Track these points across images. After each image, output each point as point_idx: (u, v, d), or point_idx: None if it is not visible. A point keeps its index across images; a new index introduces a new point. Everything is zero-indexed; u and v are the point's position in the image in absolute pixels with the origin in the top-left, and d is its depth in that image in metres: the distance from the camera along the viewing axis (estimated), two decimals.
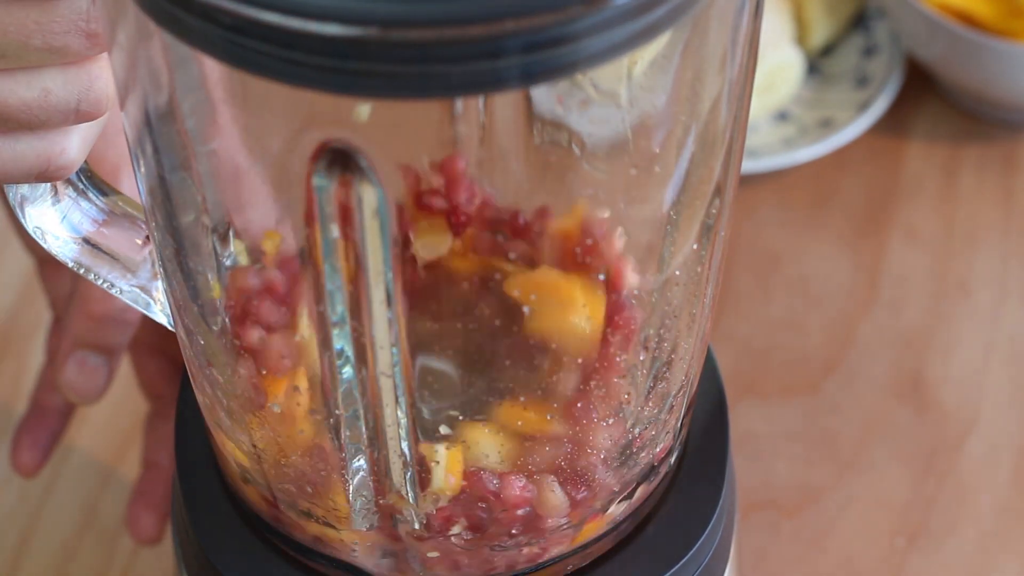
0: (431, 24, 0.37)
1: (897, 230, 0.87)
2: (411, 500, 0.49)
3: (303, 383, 0.49)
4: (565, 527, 0.51)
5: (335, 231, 0.42)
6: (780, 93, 0.91)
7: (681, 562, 0.53)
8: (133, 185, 0.51)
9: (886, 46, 0.93)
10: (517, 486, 0.49)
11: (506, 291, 0.53)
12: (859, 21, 0.96)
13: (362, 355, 0.45)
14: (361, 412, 0.47)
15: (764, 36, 0.85)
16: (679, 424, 0.53)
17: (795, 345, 0.81)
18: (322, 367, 0.47)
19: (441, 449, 0.49)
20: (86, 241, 0.51)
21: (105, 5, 0.42)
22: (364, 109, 0.41)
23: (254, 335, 0.50)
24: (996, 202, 0.88)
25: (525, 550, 0.51)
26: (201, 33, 0.39)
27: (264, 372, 0.49)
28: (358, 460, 0.48)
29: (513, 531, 0.50)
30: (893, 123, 0.91)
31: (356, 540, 0.51)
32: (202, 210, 0.47)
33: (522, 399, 0.51)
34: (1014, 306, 0.83)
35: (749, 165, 0.87)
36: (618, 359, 0.50)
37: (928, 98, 0.93)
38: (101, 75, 0.45)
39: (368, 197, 0.41)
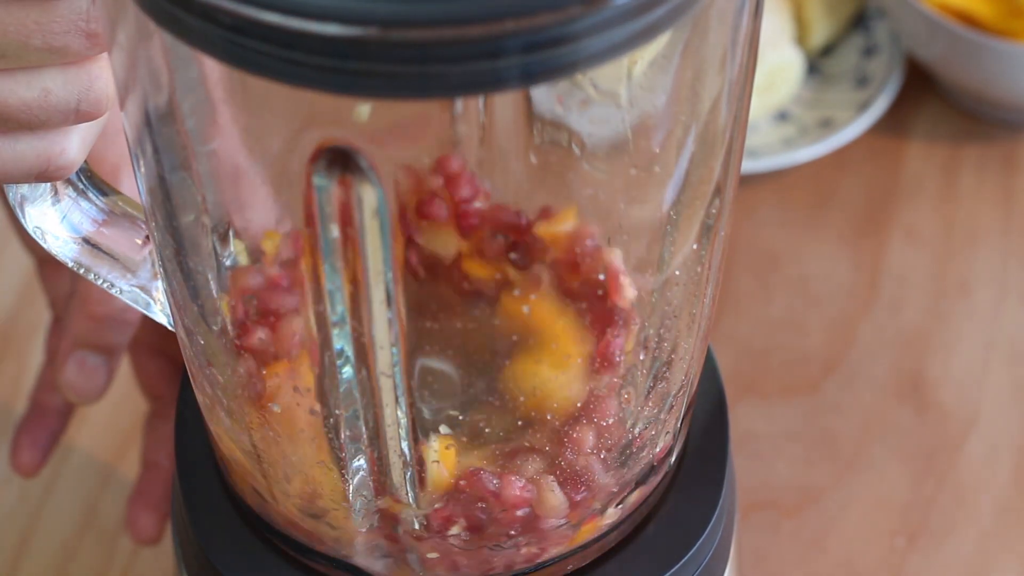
0: (431, 24, 0.37)
1: (897, 230, 0.87)
2: (411, 500, 0.49)
3: (303, 383, 0.49)
4: (564, 527, 0.51)
5: (335, 231, 0.42)
6: (780, 93, 0.91)
7: (681, 562, 0.53)
8: (133, 185, 0.51)
9: (886, 46, 0.93)
10: (517, 486, 0.49)
11: (505, 296, 0.53)
12: (859, 21, 0.96)
13: (362, 355, 0.45)
14: (361, 412, 0.47)
15: (764, 36, 0.85)
16: (679, 424, 0.53)
17: (795, 345, 0.81)
18: (322, 367, 0.47)
19: (434, 442, 0.49)
20: (86, 241, 0.51)
21: (105, 5, 0.42)
22: (364, 109, 0.41)
23: (254, 335, 0.50)
24: (996, 202, 0.88)
25: (524, 550, 0.51)
26: (201, 33, 0.39)
27: (264, 372, 0.49)
28: (358, 460, 0.48)
29: (512, 531, 0.50)
30: (893, 123, 0.91)
31: (356, 540, 0.51)
32: (202, 210, 0.47)
33: (522, 399, 0.51)
34: (1014, 306, 0.83)
35: (749, 165, 0.87)
36: (618, 359, 0.50)
37: (928, 98, 0.93)
38: (101, 75, 0.45)
39: (368, 197, 0.41)
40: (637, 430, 0.51)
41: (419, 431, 0.49)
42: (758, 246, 0.86)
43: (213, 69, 0.42)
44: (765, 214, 0.87)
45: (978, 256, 0.85)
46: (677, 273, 0.50)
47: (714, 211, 0.48)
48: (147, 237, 0.51)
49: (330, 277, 0.43)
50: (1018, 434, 0.77)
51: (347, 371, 0.46)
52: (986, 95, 0.89)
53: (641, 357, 0.51)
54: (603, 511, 0.51)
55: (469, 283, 0.54)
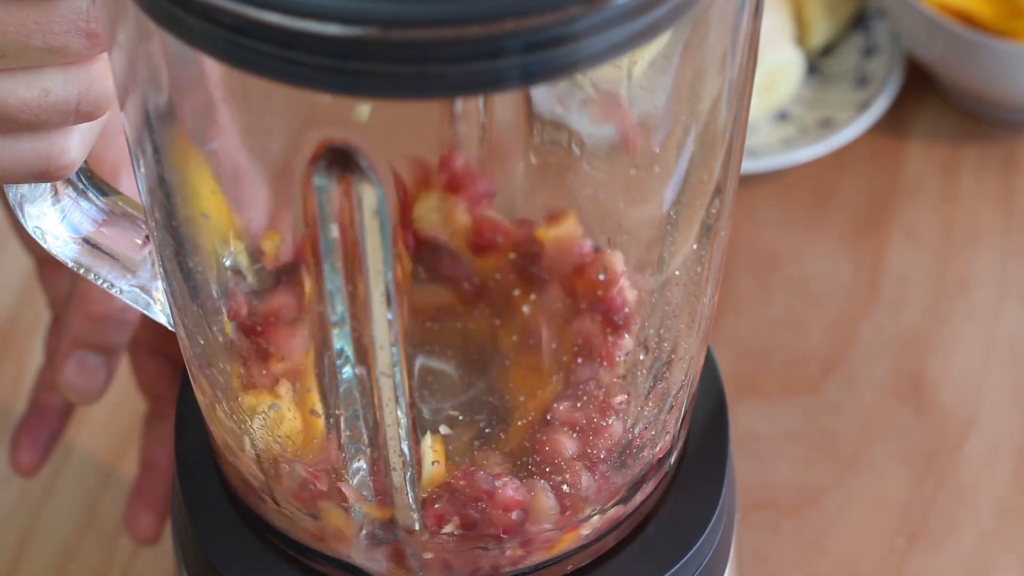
0: (431, 24, 0.37)
1: (897, 230, 0.87)
2: (411, 500, 0.49)
3: (303, 383, 0.49)
4: (564, 527, 0.51)
5: (335, 231, 0.42)
6: (780, 93, 0.91)
7: (681, 562, 0.53)
8: (133, 185, 0.51)
9: (886, 46, 0.93)
10: (511, 487, 0.49)
11: (506, 296, 0.53)
12: (859, 21, 0.95)
13: (362, 355, 0.45)
14: (361, 412, 0.47)
15: (764, 36, 0.85)
16: (679, 424, 0.53)
17: (795, 345, 0.81)
18: (322, 367, 0.47)
19: (434, 443, 0.49)
20: (86, 241, 0.51)
21: (105, 5, 0.42)
22: (364, 109, 0.41)
23: (254, 335, 0.50)
24: (996, 202, 0.88)
25: (524, 549, 0.51)
26: (201, 33, 0.39)
27: (264, 372, 0.49)
28: (358, 460, 0.48)
29: (507, 531, 0.50)
30: (893, 123, 0.91)
31: (355, 540, 0.51)
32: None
33: (522, 399, 0.51)
34: (1014, 306, 0.83)
35: (749, 165, 0.87)
36: (618, 359, 0.50)
37: (928, 98, 0.93)
38: (101, 75, 0.45)
39: (368, 197, 0.41)
40: (637, 430, 0.51)
41: (419, 431, 0.49)
42: (758, 246, 0.86)
43: (213, 69, 0.42)
44: (765, 214, 0.87)
45: (978, 256, 0.85)
46: (677, 273, 0.50)
47: (714, 211, 0.48)
48: (147, 237, 0.51)
49: (330, 277, 0.43)
50: (1018, 434, 0.77)
51: (347, 371, 0.46)
52: (986, 95, 0.89)
53: (641, 357, 0.51)
54: (604, 510, 0.51)
55: (469, 283, 0.54)
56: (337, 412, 0.47)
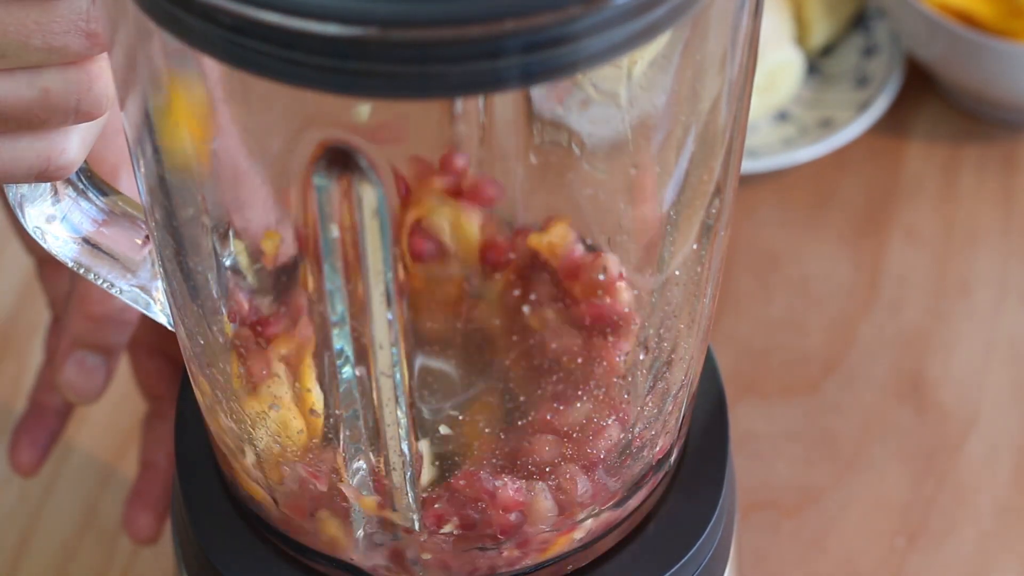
0: (431, 24, 0.37)
1: (897, 230, 0.87)
2: (411, 500, 0.49)
3: (303, 383, 0.49)
4: (562, 528, 0.51)
5: (335, 231, 0.42)
6: (780, 93, 0.91)
7: (681, 562, 0.53)
8: (133, 185, 0.51)
9: (886, 46, 0.93)
10: (511, 488, 0.49)
11: (506, 296, 0.53)
12: (859, 21, 0.95)
13: (362, 355, 0.45)
14: (361, 412, 0.47)
15: (764, 36, 0.85)
16: (679, 424, 0.53)
17: (795, 345, 0.81)
18: (322, 367, 0.47)
19: (434, 443, 0.49)
20: (86, 241, 0.51)
21: (105, 5, 0.42)
22: (364, 109, 0.41)
23: (254, 335, 0.50)
24: (996, 202, 0.88)
25: (524, 549, 0.51)
26: (201, 33, 0.39)
27: (264, 372, 0.49)
28: (358, 460, 0.48)
29: (505, 532, 0.50)
30: (893, 123, 0.91)
31: (355, 540, 0.51)
32: (202, 210, 0.47)
33: (522, 399, 0.51)
34: (1014, 306, 0.83)
35: (749, 165, 0.87)
36: (618, 359, 0.50)
37: (928, 98, 0.93)
38: (101, 75, 0.45)
39: (368, 197, 0.41)
40: (637, 430, 0.51)
41: (419, 431, 0.49)
42: (758, 246, 0.86)
43: (213, 69, 0.42)
44: (765, 214, 0.87)
45: (978, 256, 0.85)
46: (677, 273, 0.50)
47: (714, 211, 0.48)
48: (147, 237, 0.51)
49: (330, 277, 0.43)
50: (1018, 434, 0.77)
51: (347, 371, 0.46)
52: (986, 95, 0.89)
53: (641, 357, 0.51)
54: (603, 510, 0.51)
55: (469, 283, 0.54)
56: (337, 412, 0.47)
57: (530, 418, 0.50)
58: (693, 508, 0.54)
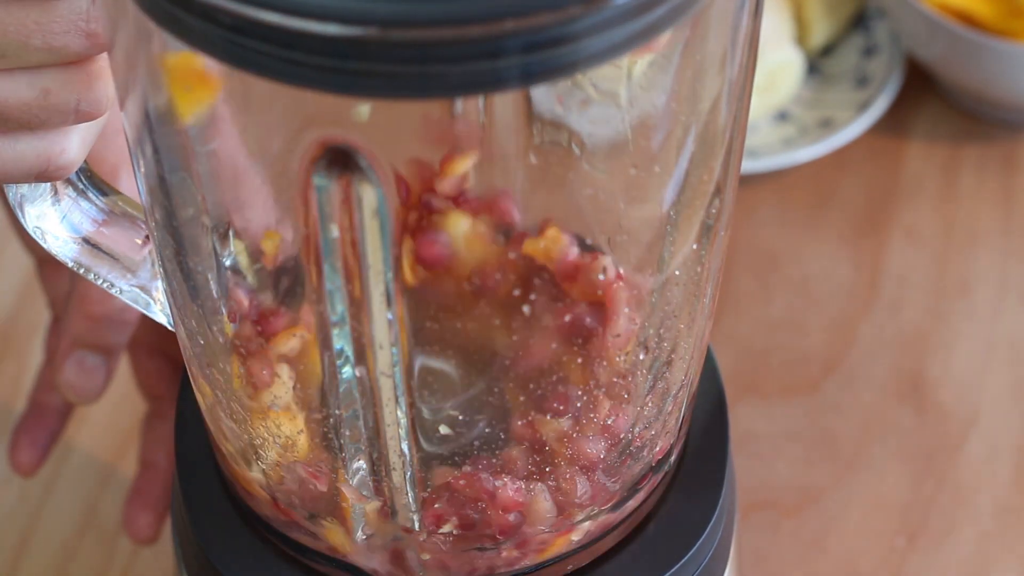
0: (431, 24, 0.37)
1: (897, 230, 0.87)
2: (411, 500, 0.49)
3: (303, 383, 0.49)
4: (562, 528, 0.51)
5: (335, 231, 0.42)
6: (780, 93, 0.91)
7: (681, 562, 0.53)
8: (133, 185, 0.51)
9: (886, 46, 0.93)
10: (511, 489, 0.49)
11: (505, 296, 0.53)
12: (859, 21, 0.96)
13: (362, 355, 0.45)
14: (361, 412, 0.47)
15: (764, 36, 0.85)
16: (679, 424, 0.53)
17: (795, 345, 0.81)
18: (322, 367, 0.47)
19: (433, 442, 0.49)
20: (86, 241, 0.51)
21: (105, 5, 0.42)
22: (364, 109, 0.41)
23: (254, 335, 0.50)
24: (996, 202, 0.88)
25: (523, 549, 0.51)
26: (201, 33, 0.39)
27: (264, 372, 0.49)
28: (358, 460, 0.48)
29: (504, 532, 0.50)
30: (893, 123, 0.91)
31: (355, 540, 0.51)
32: (202, 210, 0.47)
33: (522, 399, 0.51)
34: (1014, 306, 0.83)
35: (749, 165, 0.87)
36: (618, 359, 0.50)
37: (928, 98, 0.93)
38: (101, 75, 0.45)
39: (368, 197, 0.41)
40: (637, 430, 0.51)
41: (419, 431, 0.49)
42: (758, 246, 0.86)
43: (213, 69, 0.42)
44: (765, 214, 0.87)
45: (978, 256, 0.85)
46: (677, 273, 0.50)
47: (714, 211, 0.48)
48: (147, 237, 0.51)
49: (330, 277, 0.43)
50: (1018, 434, 0.77)
51: (347, 371, 0.46)
52: (986, 95, 0.89)
53: (641, 357, 0.51)
54: (603, 510, 0.51)
55: (469, 283, 0.54)
56: (337, 412, 0.47)
57: (530, 418, 0.50)
58: (693, 508, 0.54)
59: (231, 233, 0.49)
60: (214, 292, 0.49)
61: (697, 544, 0.53)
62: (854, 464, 0.76)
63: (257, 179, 0.46)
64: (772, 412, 0.78)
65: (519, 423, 0.50)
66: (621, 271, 0.51)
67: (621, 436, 0.50)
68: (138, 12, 0.40)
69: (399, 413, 0.46)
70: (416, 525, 0.49)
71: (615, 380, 0.50)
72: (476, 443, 0.51)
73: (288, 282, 0.51)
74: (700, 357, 0.53)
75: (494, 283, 0.53)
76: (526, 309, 0.52)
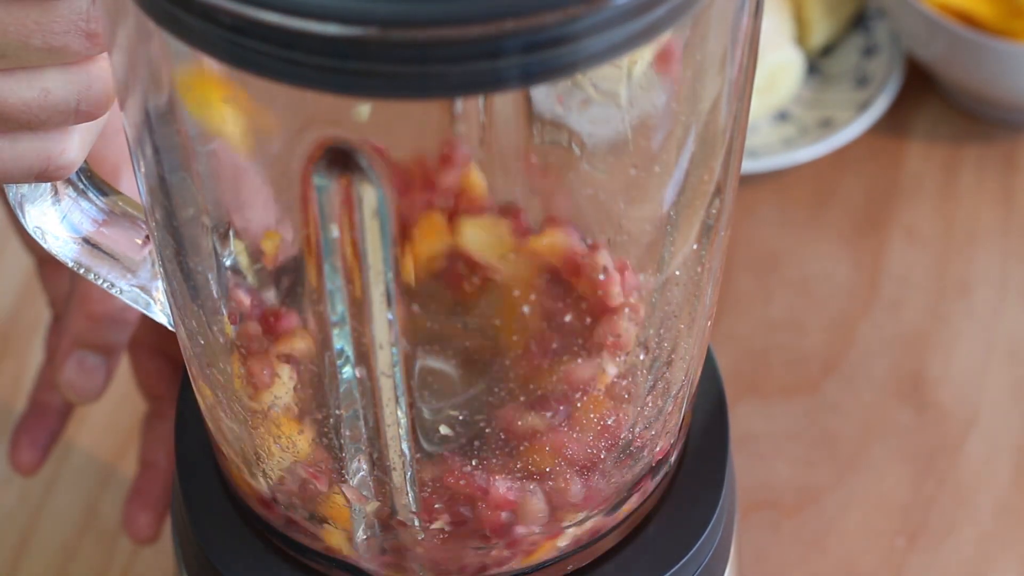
0: (431, 24, 0.37)
1: (897, 230, 0.87)
2: (411, 500, 0.49)
3: (303, 383, 0.49)
4: (559, 528, 0.51)
5: (335, 231, 0.42)
6: (780, 93, 0.91)
7: (681, 562, 0.53)
8: (133, 185, 0.51)
9: (886, 46, 0.93)
10: (503, 487, 0.49)
11: (506, 296, 0.52)
12: (859, 21, 0.95)
13: (362, 355, 0.45)
14: (361, 412, 0.47)
15: (764, 36, 0.85)
16: (679, 424, 0.53)
17: (795, 345, 0.81)
18: (322, 367, 0.47)
19: (433, 443, 0.49)
20: (86, 241, 0.51)
21: (105, 5, 0.42)
22: (364, 109, 0.41)
23: (254, 335, 0.50)
24: (996, 202, 0.88)
25: (513, 549, 0.51)
26: (201, 33, 0.39)
27: (265, 372, 0.49)
28: (358, 460, 0.48)
29: (491, 532, 0.50)
30: (893, 123, 0.91)
31: (355, 540, 0.51)
32: (202, 210, 0.47)
33: (522, 399, 0.51)
34: (1014, 306, 0.83)
35: (749, 165, 0.87)
36: (618, 359, 0.50)
37: (928, 98, 0.93)
38: (101, 75, 0.45)
39: (368, 197, 0.41)
40: (637, 430, 0.51)
41: (419, 431, 0.49)
42: (758, 246, 0.86)
43: (213, 69, 0.42)
44: (765, 214, 0.87)
45: (978, 256, 0.85)
46: (677, 273, 0.50)
47: (714, 211, 0.48)
48: (147, 237, 0.51)
49: (330, 277, 0.43)
50: (1018, 434, 0.77)
51: (347, 371, 0.46)
52: (986, 95, 0.89)
53: (641, 357, 0.51)
54: (603, 510, 0.51)
55: (469, 283, 0.54)
56: (337, 412, 0.47)
57: (530, 418, 0.50)
58: (693, 508, 0.54)
59: (231, 233, 0.49)
60: (214, 292, 0.49)
61: (697, 544, 0.53)
62: (854, 464, 0.76)
63: (257, 179, 0.46)
64: (772, 412, 0.78)
65: (519, 423, 0.50)
66: (622, 271, 0.51)
67: (621, 436, 0.50)
68: (138, 12, 0.40)
69: (399, 413, 0.46)
70: (416, 525, 0.49)
71: (615, 380, 0.50)
72: (476, 443, 0.51)
73: (288, 282, 0.51)
74: (700, 357, 0.53)
75: (494, 283, 0.53)
76: (526, 309, 0.52)
